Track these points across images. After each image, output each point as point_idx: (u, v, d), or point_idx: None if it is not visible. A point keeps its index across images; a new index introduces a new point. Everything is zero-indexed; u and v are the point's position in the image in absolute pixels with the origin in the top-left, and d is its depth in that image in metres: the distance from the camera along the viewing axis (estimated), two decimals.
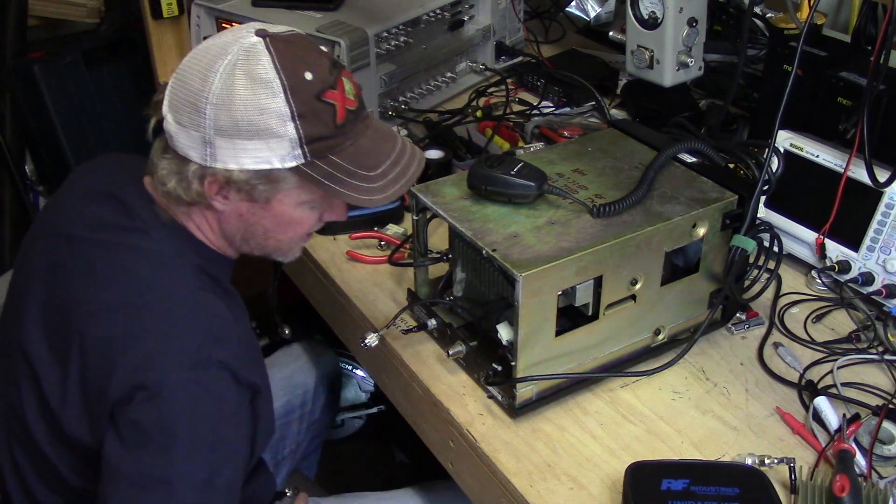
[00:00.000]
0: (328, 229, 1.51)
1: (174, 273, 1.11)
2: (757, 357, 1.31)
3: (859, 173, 1.33)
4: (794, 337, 1.35)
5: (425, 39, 1.93)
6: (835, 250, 1.40)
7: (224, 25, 1.88)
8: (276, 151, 1.03)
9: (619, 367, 1.27)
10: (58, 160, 2.55)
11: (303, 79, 1.03)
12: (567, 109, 1.92)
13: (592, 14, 2.34)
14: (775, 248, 1.29)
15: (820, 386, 1.25)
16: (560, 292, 1.14)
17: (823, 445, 1.15)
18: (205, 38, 1.87)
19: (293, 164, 1.05)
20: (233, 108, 1.01)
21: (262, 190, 1.07)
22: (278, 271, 1.61)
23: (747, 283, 1.32)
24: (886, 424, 1.13)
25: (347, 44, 1.68)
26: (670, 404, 1.23)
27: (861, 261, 1.37)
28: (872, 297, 1.36)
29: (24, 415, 1.14)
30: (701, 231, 1.24)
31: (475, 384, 1.26)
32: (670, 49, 1.77)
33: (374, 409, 2.15)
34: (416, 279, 1.37)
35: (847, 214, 1.38)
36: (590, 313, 1.21)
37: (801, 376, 1.27)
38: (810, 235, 1.44)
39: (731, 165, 1.42)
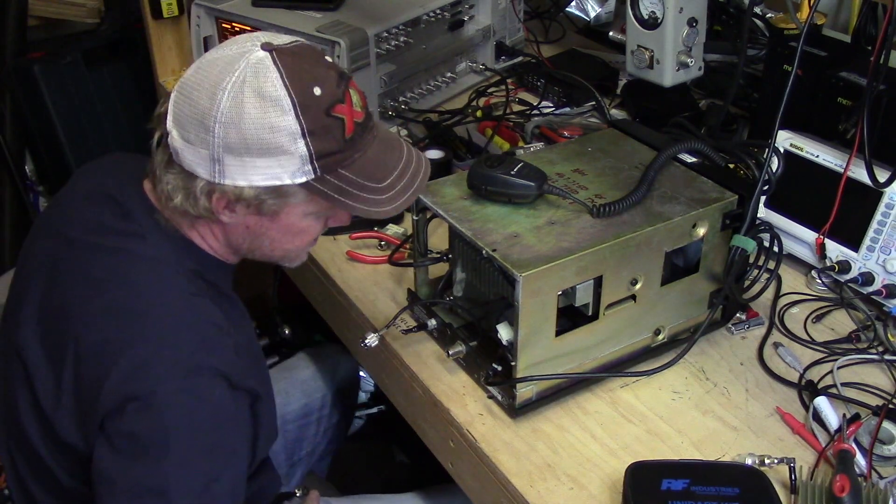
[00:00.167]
0: (328, 230, 1.51)
1: (168, 278, 1.11)
2: (757, 357, 1.31)
3: (859, 173, 1.33)
4: (794, 337, 1.35)
5: (425, 39, 1.92)
6: (835, 250, 1.40)
7: (224, 25, 1.88)
8: (287, 168, 1.03)
9: (619, 367, 1.27)
10: (58, 160, 2.55)
11: (312, 95, 1.02)
12: (567, 109, 1.92)
13: (592, 14, 2.34)
14: (775, 248, 1.29)
15: (820, 386, 1.25)
16: (560, 292, 1.14)
17: (823, 445, 1.15)
18: (205, 39, 1.91)
19: (303, 179, 1.04)
20: (242, 126, 1.00)
21: (270, 204, 1.07)
22: (278, 272, 1.61)
23: (747, 283, 1.31)
24: (886, 424, 1.13)
25: (347, 44, 1.68)
26: (670, 404, 1.23)
27: (861, 261, 1.37)
28: (872, 297, 1.36)
29: (20, 416, 1.13)
30: (701, 231, 1.24)
31: (475, 384, 1.26)
32: (670, 49, 1.77)
33: (374, 409, 2.14)
34: (416, 279, 1.37)
35: (847, 214, 1.38)
36: (590, 313, 1.21)
37: (801, 376, 1.27)
38: (810, 235, 1.43)
39: (731, 165, 1.42)
